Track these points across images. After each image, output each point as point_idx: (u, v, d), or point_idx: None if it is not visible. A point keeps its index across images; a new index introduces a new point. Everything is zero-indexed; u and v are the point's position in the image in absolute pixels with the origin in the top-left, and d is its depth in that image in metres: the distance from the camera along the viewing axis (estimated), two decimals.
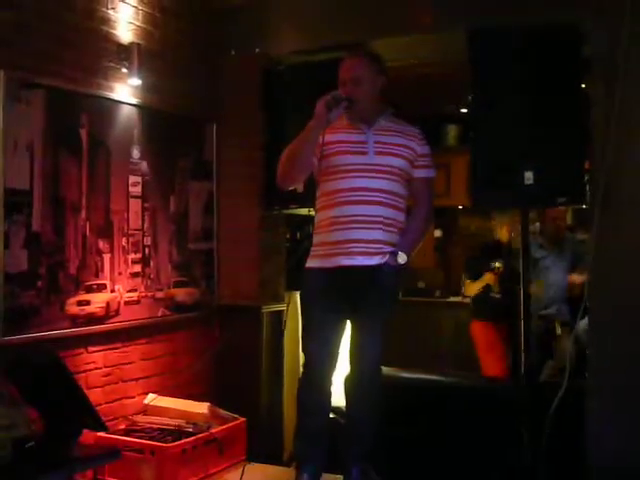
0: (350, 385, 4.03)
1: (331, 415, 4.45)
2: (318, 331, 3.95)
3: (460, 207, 9.64)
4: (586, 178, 3.86)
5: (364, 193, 3.81)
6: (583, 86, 3.75)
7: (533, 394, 3.74)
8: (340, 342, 3.98)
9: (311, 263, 3.93)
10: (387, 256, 3.80)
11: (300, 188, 4.14)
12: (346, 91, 3.82)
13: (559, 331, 6.39)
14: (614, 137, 3.80)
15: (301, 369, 4.15)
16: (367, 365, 3.95)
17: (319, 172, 3.90)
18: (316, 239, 3.94)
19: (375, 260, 3.79)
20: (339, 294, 3.84)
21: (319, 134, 3.75)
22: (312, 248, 3.95)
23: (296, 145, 3.83)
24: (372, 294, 3.82)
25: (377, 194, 3.82)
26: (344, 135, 3.87)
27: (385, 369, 4.30)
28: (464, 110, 7.72)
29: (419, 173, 3.94)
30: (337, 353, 3.99)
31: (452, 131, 9.14)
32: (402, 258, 3.82)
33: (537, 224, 7.22)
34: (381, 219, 3.82)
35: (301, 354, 4.16)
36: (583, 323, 4.20)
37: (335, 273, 3.82)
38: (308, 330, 4.05)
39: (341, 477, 4.10)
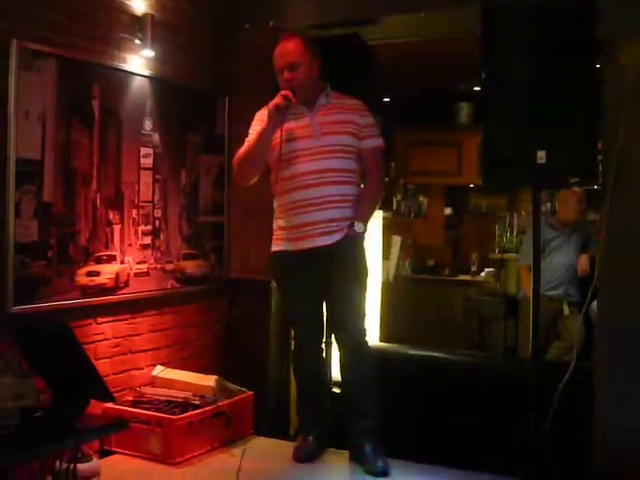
0: (340, 360, 4.15)
1: (337, 390, 4.52)
2: (296, 306, 4.26)
3: (471, 186, 9.63)
4: (599, 158, 3.84)
5: (317, 175, 3.98)
6: (597, 65, 3.72)
7: (540, 374, 3.73)
8: (321, 313, 4.23)
9: (276, 247, 4.15)
10: (345, 230, 3.95)
11: None
12: (285, 77, 3.91)
13: (567, 312, 6.39)
14: (627, 117, 3.78)
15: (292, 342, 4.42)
16: (350, 337, 4.13)
17: (271, 161, 4.04)
18: (277, 224, 4.15)
19: (335, 237, 3.99)
20: (307, 273, 4.07)
21: (273, 135, 3.92)
22: (274, 232, 4.15)
23: (252, 148, 4.01)
24: (339, 268, 4.01)
25: (330, 174, 4.00)
26: (288, 122, 3.96)
27: (392, 346, 4.32)
28: (477, 88, 7.68)
29: (366, 144, 4.11)
30: (321, 324, 4.27)
31: (465, 109, 9.12)
32: (359, 227, 4.01)
33: (548, 204, 7.21)
34: (337, 198, 4.00)
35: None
36: (593, 304, 4.19)
37: (299, 255, 4.02)
38: (287, 307, 4.40)
39: (347, 453, 4.16)
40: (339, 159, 4.00)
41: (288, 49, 3.99)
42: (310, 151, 3.98)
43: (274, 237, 4.13)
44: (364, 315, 4.13)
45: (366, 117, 4.11)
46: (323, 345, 4.39)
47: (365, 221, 4.03)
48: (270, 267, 4.25)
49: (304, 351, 4.27)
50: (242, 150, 4.05)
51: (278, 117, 3.83)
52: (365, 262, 4.13)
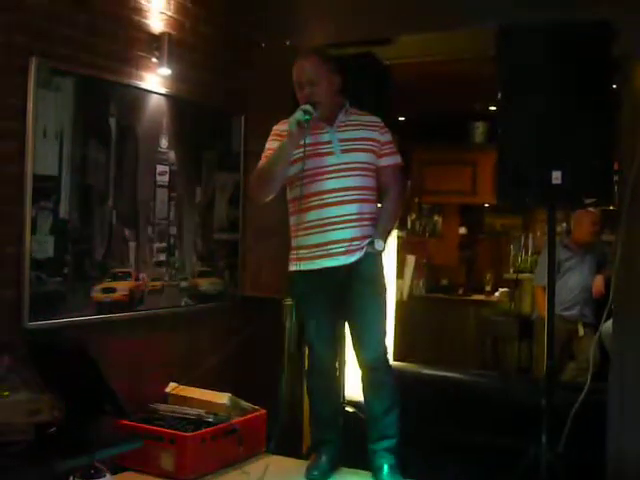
0: (362, 380, 4.12)
1: (350, 409, 4.51)
2: (315, 328, 4.15)
3: (486, 205, 9.62)
4: (615, 178, 3.83)
5: (338, 194, 3.93)
6: (613, 85, 3.72)
7: (554, 395, 3.72)
8: (337, 329, 4.21)
9: (294, 266, 4.04)
10: (365, 248, 3.93)
11: None
12: (305, 94, 3.87)
13: (581, 332, 6.37)
14: None
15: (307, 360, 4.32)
16: (370, 356, 4.07)
17: (289, 177, 3.98)
18: (295, 242, 4.04)
19: (356, 256, 3.93)
20: (326, 292, 4.01)
21: (293, 151, 3.85)
22: (292, 251, 4.05)
23: (272, 164, 3.92)
24: (359, 287, 3.97)
25: (350, 192, 3.94)
26: (309, 138, 3.90)
27: (406, 365, 4.31)
28: (492, 107, 7.68)
29: (385, 161, 4.07)
30: (337, 343, 4.27)
31: (480, 128, 9.12)
32: (379, 245, 3.96)
33: (564, 224, 7.19)
34: (357, 216, 3.95)
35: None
36: (607, 325, 4.18)
37: (320, 274, 3.96)
38: (305, 325, 4.22)
39: (361, 471, 4.14)
40: (359, 177, 3.95)
41: (307, 65, 3.94)
42: (330, 168, 3.92)
43: (292, 256, 4.04)
44: (384, 334, 4.10)
45: (385, 134, 4.08)
46: (337, 364, 4.36)
47: (385, 239, 3.99)
48: (288, 286, 4.21)
49: (318, 370, 4.24)
50: (260, 166, 3.98)
51: (300, 132, 3.76)
52: (384, 280, 4.11)
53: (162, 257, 4.63)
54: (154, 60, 4.51)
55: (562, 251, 6.32)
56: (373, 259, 3.98)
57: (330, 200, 3.91)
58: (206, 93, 4.98)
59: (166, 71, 4.56)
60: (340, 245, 3.90)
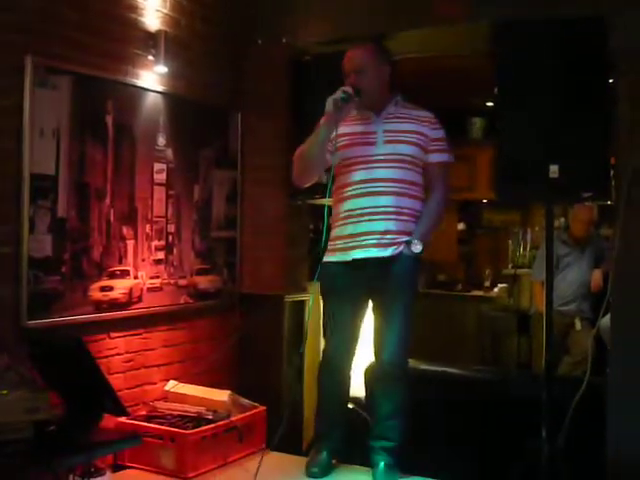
0: (373, 376, 4.08)
1: (350, 405, 4.49)
2: (337, 320, 4.05)
3: (485, 201, 9.62)
4: (612, 173, 3.84)
5: (375, 184, 3.86)
6: (610, 80, 3.72)
7: (552, 389, 3.72)
8: (359, 329, 4.10)
9: (328, 257, 4.01)
10: (402, 246, 3.84)
11: (324, 179, 4.12)
12: (351, 82, 3.85)
13: (579, 327, 6.38)
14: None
15: (321, 354, 4.25)
16: (388, 356, 3.98)
17: (336, 166, 3.93)
18: (332, 233, 4.00)
19: (389, 251, 3.84)
20: (356, 286, 3.92)
21: (331, 132, 3.80)
22: (329, 242, 4.01)
23: (309, 145, 3.90)
24: (388, 284, 3.88)
25: (389, 184, 3.87)
26: (353, 127, 3.92)
27: None
28: (490, 103, 7.68)
29: (433, 158, 3.98)
30: (355, 340, 4.11)
31: (477, 124, 9.10)
32: (417, 247, 3.86)
33: (562, 219, 7.20)
34: (394, 209, 3.87)
35: (322, 340, 4.24)
36: (605, 319, 4.18)
37: (351, 266, 3.88)
38: (328, 319, 4.13)
39: (361, 467, 4.14)
40: (399, 169, 3.87)
41: (356, 54, 3.94)
42: (369, 159, 3.87)
43: (327, 248, 4.00)
44: (406, 339, 3.98)
45: (436, 130, 3.99)
46: (352, 361, 4.26)
47: (424, 240, 3.90)
48: (318, 277, 4.10)
49: (331, 365, 4.14)
50: (299, 149, 3.95)
51: (335, 112, 3.72)
52: (416, 285, 4.06)
53: (160, 255, 4.63)
54: (150, 58, 4.50)
55: (560, 247, 6.33)
56: (407, 261, 3.87)
57: (366, 190, 3.86)
58: (203, 91, 4.98)
59: (162, 69, 4.56)
60: (372, 237, 3.83)
